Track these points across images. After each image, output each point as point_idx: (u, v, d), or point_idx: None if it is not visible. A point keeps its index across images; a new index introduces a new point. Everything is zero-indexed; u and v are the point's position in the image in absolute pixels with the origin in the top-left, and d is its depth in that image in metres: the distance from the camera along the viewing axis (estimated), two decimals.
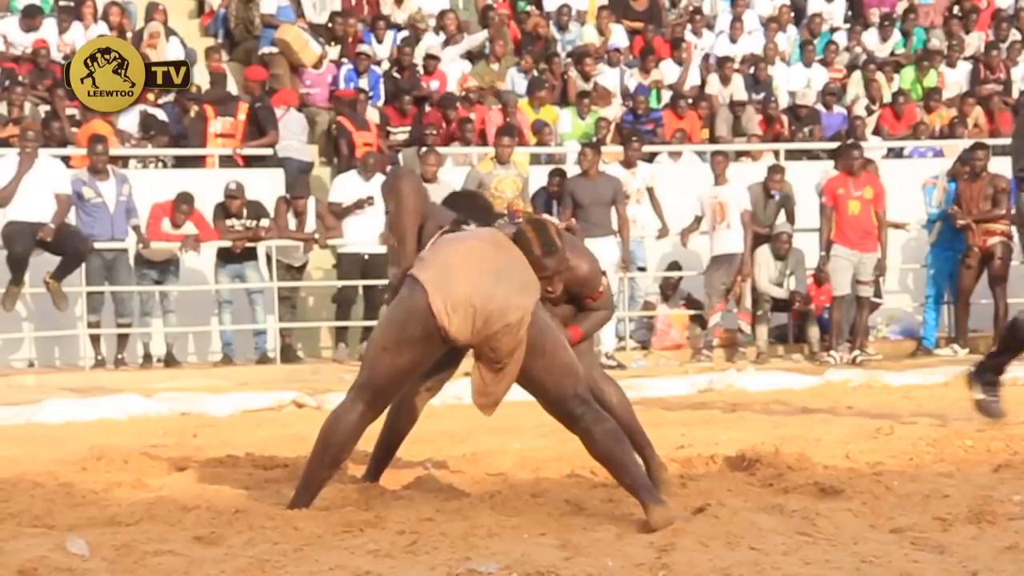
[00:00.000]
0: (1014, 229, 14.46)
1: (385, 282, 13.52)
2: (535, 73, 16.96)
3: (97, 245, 13.28)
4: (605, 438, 5.31)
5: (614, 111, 16.83)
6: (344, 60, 16.50)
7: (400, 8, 17.84)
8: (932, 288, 15.00)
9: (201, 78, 15.88)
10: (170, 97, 15.34)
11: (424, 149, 14.35)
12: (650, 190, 14.56)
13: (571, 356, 5.45)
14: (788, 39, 18.66)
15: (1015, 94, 18.05)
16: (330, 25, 17.04)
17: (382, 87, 16.45)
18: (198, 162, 15.23)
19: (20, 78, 15.22)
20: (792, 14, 18.98)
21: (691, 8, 18.94)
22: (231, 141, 15.06)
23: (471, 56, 17.33)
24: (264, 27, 16.77)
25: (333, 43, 16.83)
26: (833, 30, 19.05)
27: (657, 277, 15.28)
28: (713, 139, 16.80)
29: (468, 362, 5.58)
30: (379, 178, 14.40)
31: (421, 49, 17.04)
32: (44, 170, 13.04)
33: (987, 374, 8.24)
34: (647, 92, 16.97)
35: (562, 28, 18.12)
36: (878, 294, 14.64)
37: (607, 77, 17.23)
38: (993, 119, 17.36)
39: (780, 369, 12.89)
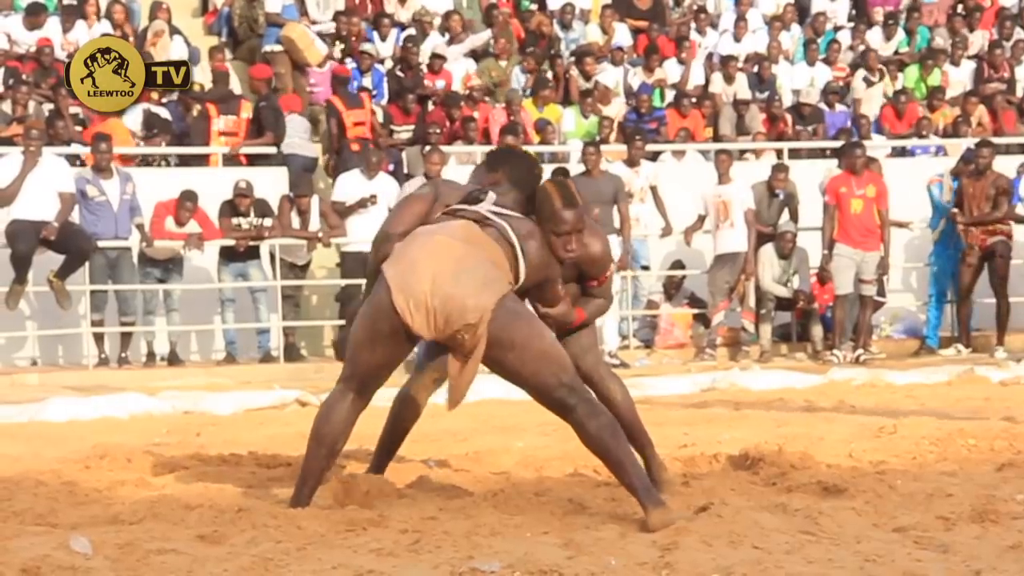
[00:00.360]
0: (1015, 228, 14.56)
1: None
2: (540, 72, 16.96)
3: (101, 243, 13.29)
4: (600, 431, 5.24)
5: (617, 109, 16.82)
6: (348, 59, 16.52)
7: (404, 7, 17.84)
8: (935, 287, 15.00)
9: (204, 77, 15.88)
10: (173, 96, 15.35)
11: (428, 148, 14.35)
12: (654, 189, 14.57)
13: (550, 345, 5.33)
14: (792, 38, 18.66)
15: (1019, 93, 18.07)
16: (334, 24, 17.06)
17: (386, 86, 16.46)
18: (201, 160, 15.24)
19: (24, 76, 15.21)
20: (796, 13, 18.98)
21: (695, 7, 18.93)
22: (234, 139, 15.08)
23: (475, 55, 17.34)
24: (268, 25, 16.78)
25: (337, 42, 16.86)
26: (837, 29, 19.04)
27: (661, 276, 15.28)
28: (717, 138, 16.79)
29: None
30: (382, 176, 14.41)
31: (426, 48, 17.05)
32: (48, 169, 13.04)
33: None
34: (651, 91, 16.97)
35: (566, 27, 18.12)
36: (881, 293, 14.63)
37: (610, 76, 17.23)
38: (996, 118, 17.35)
39: (783, 368, 12.88)
